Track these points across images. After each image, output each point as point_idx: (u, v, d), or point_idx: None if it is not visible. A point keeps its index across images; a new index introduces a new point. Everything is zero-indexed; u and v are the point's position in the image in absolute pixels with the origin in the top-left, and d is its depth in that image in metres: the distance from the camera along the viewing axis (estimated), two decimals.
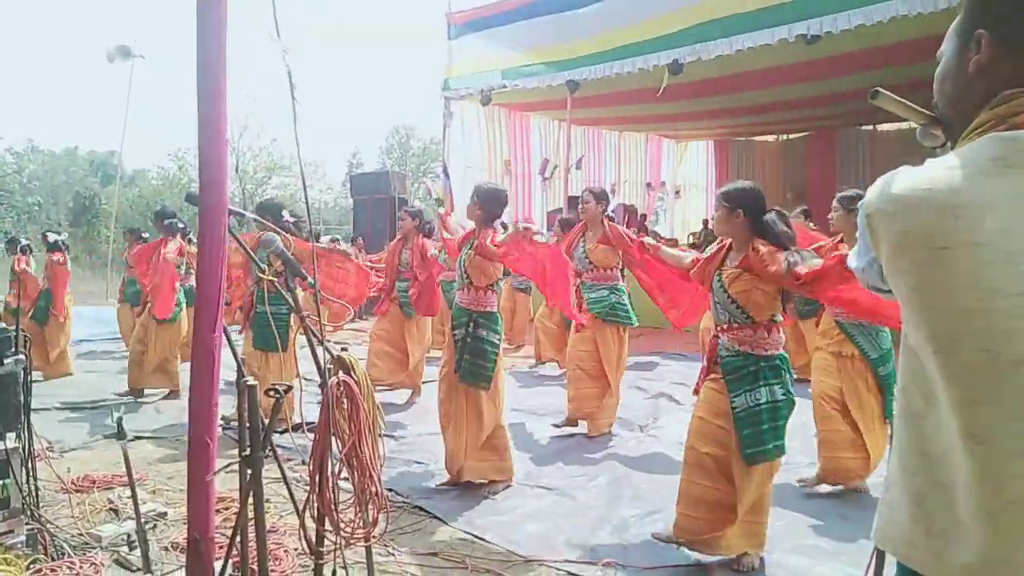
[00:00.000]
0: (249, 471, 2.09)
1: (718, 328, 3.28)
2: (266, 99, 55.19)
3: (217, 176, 2.25)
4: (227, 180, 2.35)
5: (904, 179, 1.14)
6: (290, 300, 2.56)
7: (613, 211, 11.80)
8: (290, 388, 2.20)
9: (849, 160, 16.30)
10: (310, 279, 2.46)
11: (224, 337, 2.14)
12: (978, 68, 1.16)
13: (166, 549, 3.41)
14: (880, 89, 1.32)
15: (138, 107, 40.02)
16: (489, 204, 4.21)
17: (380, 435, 2.77)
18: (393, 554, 3.36)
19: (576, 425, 5.44)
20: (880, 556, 2.22)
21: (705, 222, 17.20)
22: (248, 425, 2.14)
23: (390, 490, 4.05)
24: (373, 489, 2.42)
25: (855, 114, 14.75)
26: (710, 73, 10.57)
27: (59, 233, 8.39)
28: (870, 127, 16.40)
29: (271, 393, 2.12)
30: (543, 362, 8.15)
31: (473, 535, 3.61)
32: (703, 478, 3.17)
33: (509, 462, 4.25)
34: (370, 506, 2.39)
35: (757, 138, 18.32)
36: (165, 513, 3.80)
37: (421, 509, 3.94)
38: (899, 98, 1.32)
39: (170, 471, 4.62)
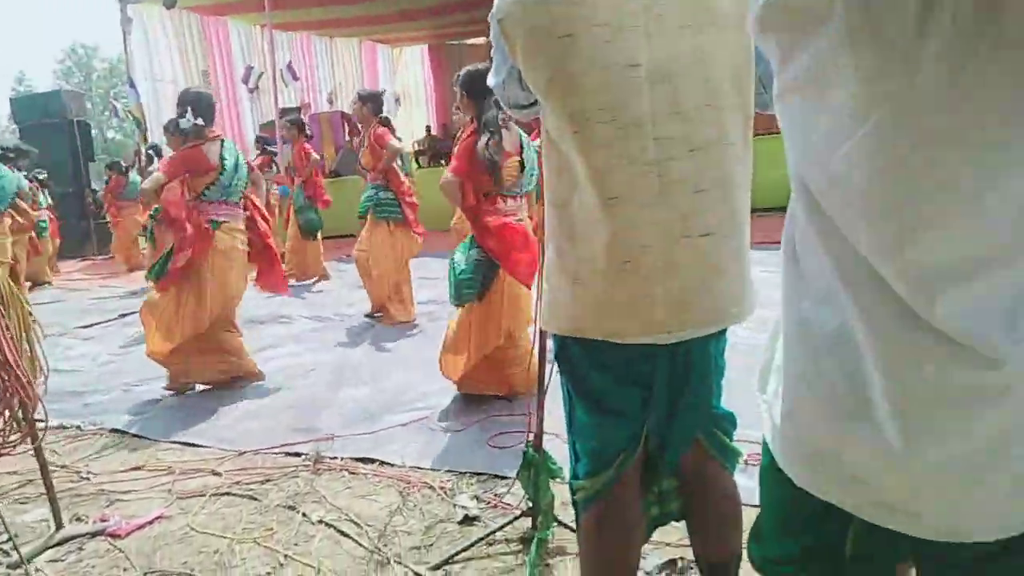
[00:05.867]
0: None
1: None
2: None
3: None
4: None
5: None
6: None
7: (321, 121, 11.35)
8: None
9: None
10: None
11: None
12: None
13: None
14: None
15: None
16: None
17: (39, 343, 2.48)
18: (87, 477, 3.04)
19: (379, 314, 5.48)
20: None
21: (428, 128, 17.22)
22: None
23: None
24: (22, 391, 2.12)
25: None
26: None
27: None
28: None
29: None
30: None
31: (182, 443, 3.38)
32: None
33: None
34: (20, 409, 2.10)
35: (468, 41, 18.54)
36: None
37: (121, 431, 3.60)
38: None
39: None
